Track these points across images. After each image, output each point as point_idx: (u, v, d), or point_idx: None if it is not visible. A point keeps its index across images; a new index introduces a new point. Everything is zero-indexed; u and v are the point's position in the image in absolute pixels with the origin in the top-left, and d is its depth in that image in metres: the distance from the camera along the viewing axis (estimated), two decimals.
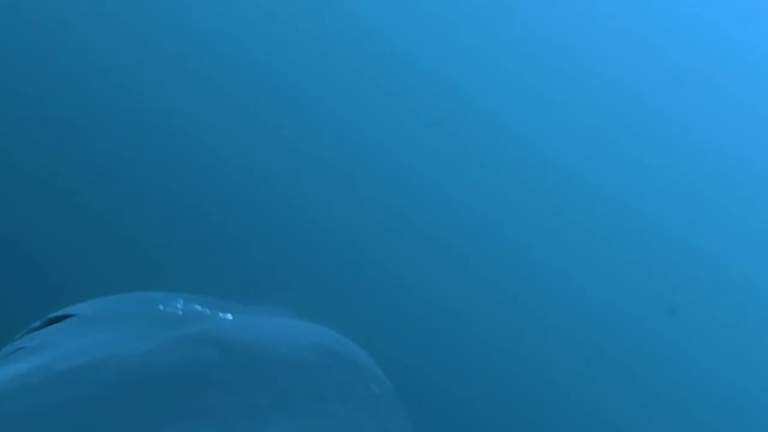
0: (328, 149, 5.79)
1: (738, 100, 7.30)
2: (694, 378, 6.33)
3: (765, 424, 6.26)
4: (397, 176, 5.83)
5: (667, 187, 7.14)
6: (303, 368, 1.51)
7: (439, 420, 4.48)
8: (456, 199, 6.09)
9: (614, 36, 7.37)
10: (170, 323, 1.53)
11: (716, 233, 6.99)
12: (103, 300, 1.67)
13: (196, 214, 4.92)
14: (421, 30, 6.66)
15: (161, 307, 1.60)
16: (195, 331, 1.50)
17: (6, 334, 1.64)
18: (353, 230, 5.39)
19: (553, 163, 6.69)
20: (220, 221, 4.98)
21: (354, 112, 6.12)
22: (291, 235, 5.11)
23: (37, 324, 1.61)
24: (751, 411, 6.27)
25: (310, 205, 5.35)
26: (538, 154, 6.68)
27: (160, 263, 4.60)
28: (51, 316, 1.61)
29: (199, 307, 1.62)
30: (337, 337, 1.69)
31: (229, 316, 1.61)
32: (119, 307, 1.61)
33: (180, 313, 1.59)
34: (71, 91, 5.03)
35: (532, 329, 5.76)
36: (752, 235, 6.88)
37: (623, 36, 7.44)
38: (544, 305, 6.03)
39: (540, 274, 6.23)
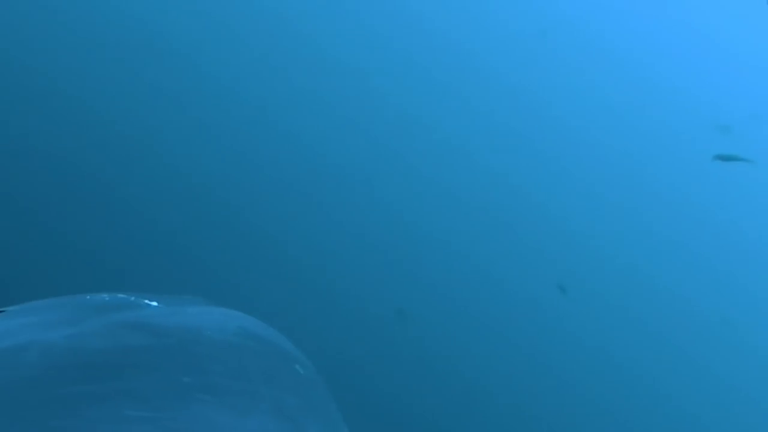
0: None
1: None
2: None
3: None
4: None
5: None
6: (228, 350, 1.54)
7: (363, 401, 4.50)
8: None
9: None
10: (97, 308, 1.55)
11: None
12: (34, 302, 1.68)
13: (119, 220, 4.88)
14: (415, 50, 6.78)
15: (87, 297, 1.62)
16: (122, 317, 1.52)
17: None
18: (274, 227, 5.40)
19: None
20: (141, 224, 4.94)
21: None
22: (212, 234, 5.10)
23: None
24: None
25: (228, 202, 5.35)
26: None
27: (84, 268, 4.56)
28: None
29: (123, 296, 1.64)
30: (261, 324, 1.72)
31: (155, 303, 1.63)
32: (47, 302, 1.62)
33: (106, 299, 1.61)
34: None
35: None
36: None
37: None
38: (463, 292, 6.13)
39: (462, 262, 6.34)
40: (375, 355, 5.30)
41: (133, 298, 1.62)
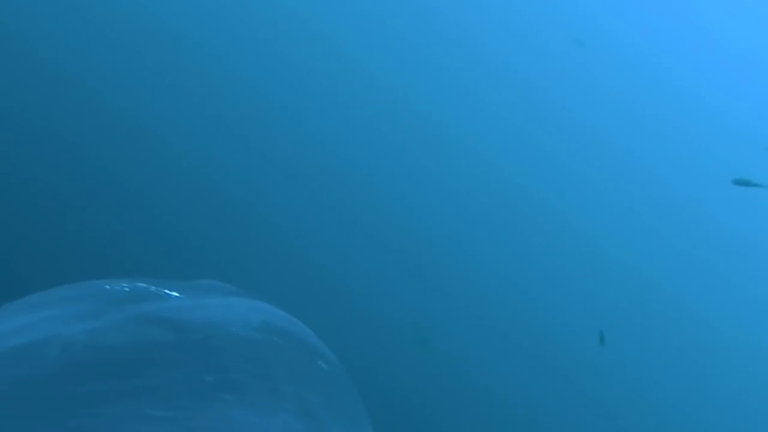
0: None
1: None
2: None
3: None
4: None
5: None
6: (251, 346, 1.50)
7: (389, 399, 4.50)
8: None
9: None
10: (117, 300, 1.50)
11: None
12: (46, 291, 1.64)
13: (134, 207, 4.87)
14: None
15: (107, 287, 1.57)
16: (143, 309, 1.48)
17: None
18: (294, 218, 5.38)
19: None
20: (157, 211, 4.93)
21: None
22: (230, 221, 5.09)
23: None
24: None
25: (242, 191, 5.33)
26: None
27: (99, 256, 4.56)
28: None
29: (143, 285, 1.59)
30: (285, 316, 1.67)
31: (176, 294, 1.59)
32: (64, 292, 1.58)
33: (126, 289, 1.56)
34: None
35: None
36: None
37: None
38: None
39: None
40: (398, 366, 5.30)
41: (153, 288, 1.58)
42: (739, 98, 8.43)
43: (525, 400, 5.51)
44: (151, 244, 4.73)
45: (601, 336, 5.81)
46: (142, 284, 1.59)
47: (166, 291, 1.58)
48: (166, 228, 4.84)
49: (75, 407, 1.27)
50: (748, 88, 8.42)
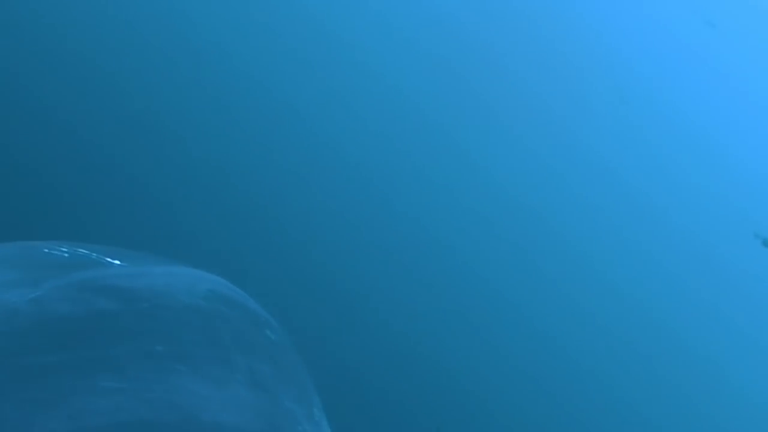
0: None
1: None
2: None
3: None
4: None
5: None
6: (200, 315, 1.47)
7: (331, 370, 4.47)
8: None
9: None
10: (57, 265, 1.46)
11: None
12: None
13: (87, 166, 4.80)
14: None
15: (45, 250, 1.53)
16: (86, 277, 1.43)
17: None
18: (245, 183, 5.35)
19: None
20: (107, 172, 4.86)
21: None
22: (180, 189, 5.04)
23: None
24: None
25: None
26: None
27: (42, 214, 4.46)
28: None
29: (84, 251, 1.55)
30: (229, 285, 1.65)
31: (117, 262, 1.55)
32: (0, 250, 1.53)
33: (66, 255, 1.52)
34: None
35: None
36: None
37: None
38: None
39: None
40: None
41: (94, 255, 1.54)
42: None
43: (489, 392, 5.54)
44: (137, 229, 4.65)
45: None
46: (82, 250, 1.55)
47: (108, 259, 1.55)
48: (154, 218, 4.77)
49: (24, 380, 1.23)
50: None
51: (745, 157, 8.62)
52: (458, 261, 6.10)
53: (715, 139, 8.51)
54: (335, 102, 6.31)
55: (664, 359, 6.40)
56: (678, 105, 8.14)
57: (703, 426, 6.16)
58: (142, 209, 4.59)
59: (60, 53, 5.01)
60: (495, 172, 6.89)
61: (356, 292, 5.19)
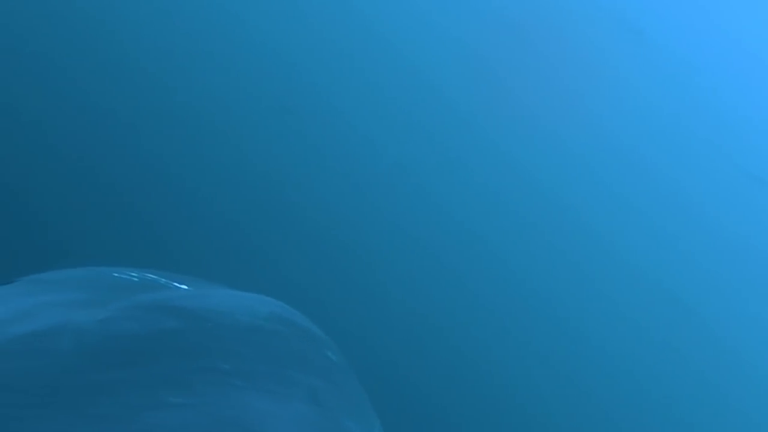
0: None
1: None
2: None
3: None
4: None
5: None
6: (261, 335, 1.51)
7: (390, 392, 4.49)
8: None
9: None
10: (125, 289, 1.50)
11: None
12: (50, 271, 1.62)
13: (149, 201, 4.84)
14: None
15: (115, 275, 1.57)
16: (152, 298, 1.48)
17: None
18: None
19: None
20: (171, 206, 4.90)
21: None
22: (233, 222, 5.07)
23: None
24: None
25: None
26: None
27: (112, 246, 4.51)
28: None
29: (153, 276, 1.60)
30: (291, 309, 1.69)
31: (185, 287, 1.59)
32: (68, 274, 1.57)
33: (135, 279, 1.56)
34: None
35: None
36: None
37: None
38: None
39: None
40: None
41: (163, 280, 1.58)
42: None
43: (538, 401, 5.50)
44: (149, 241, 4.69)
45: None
46: (151, 275, 1.59)
47: (175, 283, 1.59)
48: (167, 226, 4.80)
49: (93, 396, 1.26)
50: None
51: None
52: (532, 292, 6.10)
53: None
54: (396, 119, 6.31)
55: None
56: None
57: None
58: (200, 235, 4.63)
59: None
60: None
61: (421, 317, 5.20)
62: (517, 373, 5.60)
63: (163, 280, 1.59)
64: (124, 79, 5.18)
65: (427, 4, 7.04)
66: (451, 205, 6.34)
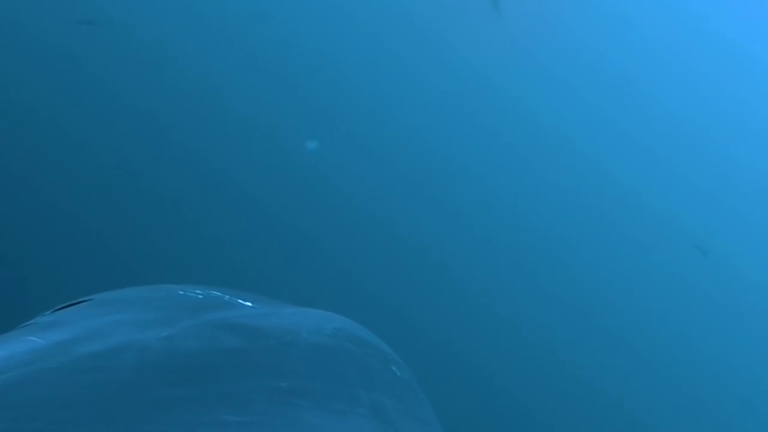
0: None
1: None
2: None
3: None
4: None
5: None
6: (325, 352, 1.49)
7: (456, 405, 4.46)
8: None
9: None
10: (191, 307, 1.51)
11: None
12: (118, 290, 1.64)
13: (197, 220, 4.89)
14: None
15: (181, 293, 1.58)
16: (217, 317, 1.48)
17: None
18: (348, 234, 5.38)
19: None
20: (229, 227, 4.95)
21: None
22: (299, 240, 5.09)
23: (48, 312, 1.58)
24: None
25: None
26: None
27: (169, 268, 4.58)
28: (65, 304, 1.58)
29: (218, 293, 1.60)
30: (357, 326, 1.67)
31: (249, 304, 1.59)
32: (137, 293, 1.59)
33: (200, 297, 1.57)
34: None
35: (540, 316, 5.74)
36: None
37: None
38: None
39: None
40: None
41: (227, 297, 1.58)
42: None
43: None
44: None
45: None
46: (216, 293, 1.60)
47: (240, 301, 1.59)
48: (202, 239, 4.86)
49: (149, 412, 1.26)
50: None
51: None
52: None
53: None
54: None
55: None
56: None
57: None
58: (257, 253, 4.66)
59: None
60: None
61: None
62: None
63: (227, 297, 1.59)
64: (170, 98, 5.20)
65: None
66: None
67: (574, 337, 5.74)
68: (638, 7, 7.68)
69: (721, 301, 6.51)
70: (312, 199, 5.29)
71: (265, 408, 1.32)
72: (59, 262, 4.50)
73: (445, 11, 6.59)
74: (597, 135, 6.96)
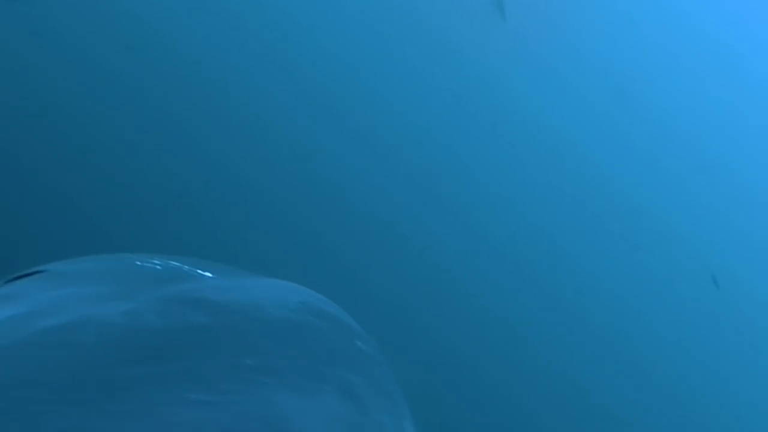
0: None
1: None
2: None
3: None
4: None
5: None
6: (291, 328, 1.46)
7: (423, 380, 4.47)
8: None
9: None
10: (150, 279, 1.46)
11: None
12: (74, 259, 1.58)
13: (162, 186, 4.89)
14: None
15: (138, 263, 1.52)
16: (178, 289, 1.43)
17: None
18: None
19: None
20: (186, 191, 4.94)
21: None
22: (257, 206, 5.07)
23: (1, 282, 1.52)
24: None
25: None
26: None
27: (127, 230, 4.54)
28: (18, 274, 1.52)
29: (176, 263, 1.55)
30: (321, 297, 1.64)
31: (209, 274, 1.54)
32: (93, 264, 1.53)
33: (158, 267, 1.51)
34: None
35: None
36: None
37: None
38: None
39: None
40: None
41: (186, 268, 1.53)
42: None
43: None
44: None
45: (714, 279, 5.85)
46: (174, 263, 1.54)
47: (199, 271, 1.54)
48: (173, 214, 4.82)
49: (113, 391, 1.22)
50: None
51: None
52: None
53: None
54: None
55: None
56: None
57: None
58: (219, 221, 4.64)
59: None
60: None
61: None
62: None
63: (186, 267, 1.54)
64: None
65: None
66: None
67: (590, 362, 5.83)
68: (641, 10, 7.72)
69: (732, 331, 6.67)
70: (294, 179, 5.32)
71: (232, 386, 1.29)
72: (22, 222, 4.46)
73: (451, 16, 6.58)
74: (620, 162, 7.03)
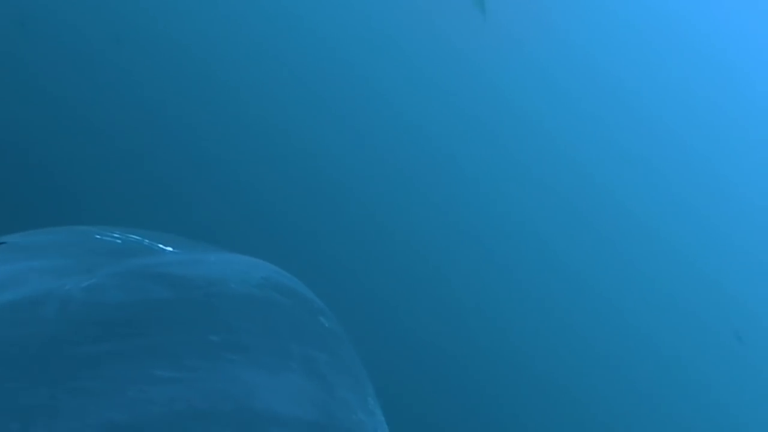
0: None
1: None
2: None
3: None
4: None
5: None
6: (254, 304, 1.45)
7: (386, 357, 4.47)
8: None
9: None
10: (111, 252, 1.45)
11: None
12: (32, 231, 1.57)
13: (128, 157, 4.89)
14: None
15: (98, 236, 1.52)
16: (139, 263, 1.42)
17: None
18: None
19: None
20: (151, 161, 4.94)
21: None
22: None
23: None
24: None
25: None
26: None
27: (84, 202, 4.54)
28: None
29: (137, 237, 1.54)
30: (284, 273, 1.63)
31: (170, 248, 1.54)
32: (52, 236, 1.52)
33: (118, 241, 1.51)
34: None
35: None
36: None
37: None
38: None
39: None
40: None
41: (147, 242, 1.52)
42: None
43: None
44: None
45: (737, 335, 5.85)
46: (134, 236, 1.53)
47: (160, 245, 1.53)
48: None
49: (77, 369, 1.21)
50: None
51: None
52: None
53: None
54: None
55: None
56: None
57: None
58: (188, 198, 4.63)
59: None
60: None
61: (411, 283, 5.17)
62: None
63: (147, 241, 1.53)
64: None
65: None
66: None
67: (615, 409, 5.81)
68: (625, 5, 7.71)
69: (755, 386, 6.63)
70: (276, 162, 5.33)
71: (198, 363, 1.28)
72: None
73: (432, 15, 6.60)
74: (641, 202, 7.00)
